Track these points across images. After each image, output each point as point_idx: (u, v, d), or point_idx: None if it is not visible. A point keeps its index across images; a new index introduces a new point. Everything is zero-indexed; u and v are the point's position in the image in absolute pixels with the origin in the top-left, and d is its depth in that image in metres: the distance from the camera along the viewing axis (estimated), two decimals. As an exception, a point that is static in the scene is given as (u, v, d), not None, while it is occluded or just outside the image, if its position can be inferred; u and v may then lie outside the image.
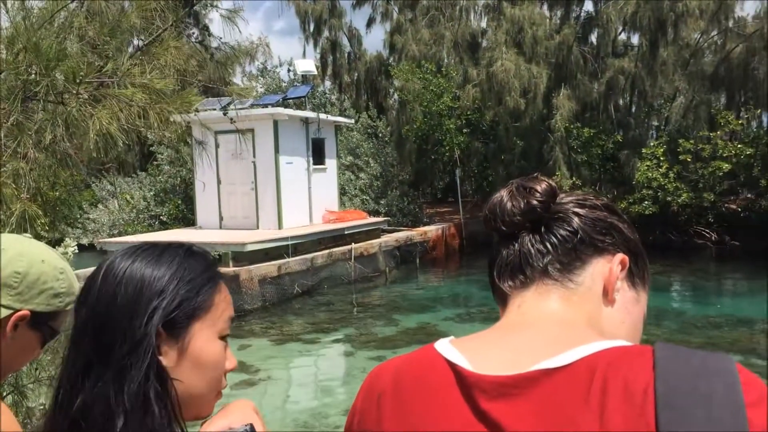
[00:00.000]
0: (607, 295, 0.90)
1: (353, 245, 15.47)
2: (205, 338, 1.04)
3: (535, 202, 0.90)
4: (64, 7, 2.67)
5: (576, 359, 0.77)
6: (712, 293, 15.64)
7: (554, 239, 0.90)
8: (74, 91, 2.32)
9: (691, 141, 20.61)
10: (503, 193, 0.93)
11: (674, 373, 0.71)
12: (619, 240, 0.94)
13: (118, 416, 0.94)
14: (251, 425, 1.04)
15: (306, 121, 16.63)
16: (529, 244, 0.90)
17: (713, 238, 21.52)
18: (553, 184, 0.94)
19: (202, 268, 1.08)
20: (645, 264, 0.98)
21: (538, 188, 0.91)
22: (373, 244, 16.28)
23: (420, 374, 0.85)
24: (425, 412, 0.81)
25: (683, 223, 21.67)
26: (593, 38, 23.09)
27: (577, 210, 0.93)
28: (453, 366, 0.82)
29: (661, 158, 20.44)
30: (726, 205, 21.72)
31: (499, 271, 0.92)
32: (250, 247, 13.11)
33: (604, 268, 0.91)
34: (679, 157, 20.32)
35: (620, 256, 0.92)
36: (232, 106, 15.95)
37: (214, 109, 13.86)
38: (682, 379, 0.71)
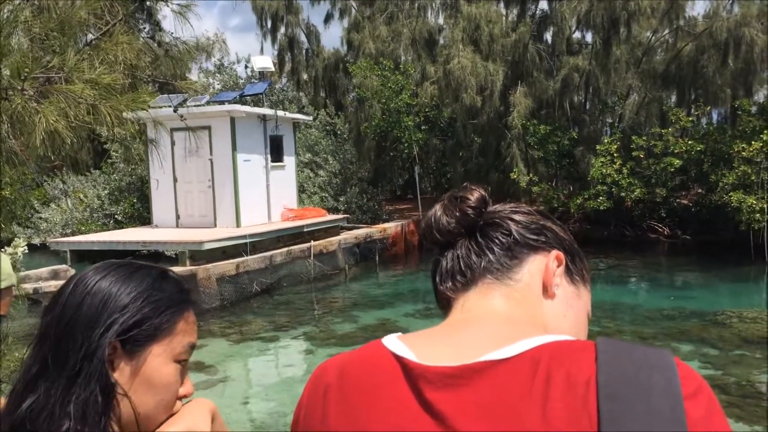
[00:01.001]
0: (547, 290, 0.93)
1: (312, 243, 15.40)
2: (160, 360, 1.04)
3: (468, 209, 0.95)
4: (9, 1, 2.59)
5: (520, 351, 0.78)
6: (664, 286, 16.00)
7: (490, 242, 0.94)
8: (19, 87, 2.25)
9: (644, 137, 21.04)
10: (437, 207, 0.98)
11: (616, 366, 0.73)
12: (553, 239, 0.98)
13: (62, 423, 0.95)
14: None
15: (264, 118, 16.50)
16: (466, 248, 0.95)
17: (665, 232, 22.03)
18: (484, 193, 0.99)
19: (171, 291, 1.09)
20: (582, 262, 1.02)
21: (470, 197, 0.97)
22: (332, 242, 16.23)
23: (366, 368, 0.86)
24: (370, 405, 0.82)
25: (637, 217, 22.11)
26: (548, 36, 23.38)
27: (511, 215, 0.98)
28: (399, 359, 0.83)
29: (615, 154, 20.82)
30: (677, 200, 22.24)
31: (441, 278, 0.96)
32: (207, 246, 12.97)
33: (541, 264, 0.94)
34: (632, 153, 20.73)
35: (555, 252, 0.96)
36: (187, 103, 15.81)
37: (168, 106, 13.69)
38: (624, 372, 0.73)
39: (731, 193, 18.54)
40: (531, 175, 21.88)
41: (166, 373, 1.05)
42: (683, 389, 0.72)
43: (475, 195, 0.97)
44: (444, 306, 0.96)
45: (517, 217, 0.97)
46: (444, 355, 0.82)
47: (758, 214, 18.01)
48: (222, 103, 16.41)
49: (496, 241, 0.94)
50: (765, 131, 18.57)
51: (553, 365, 0.75)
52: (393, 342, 0.87)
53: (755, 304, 13.21)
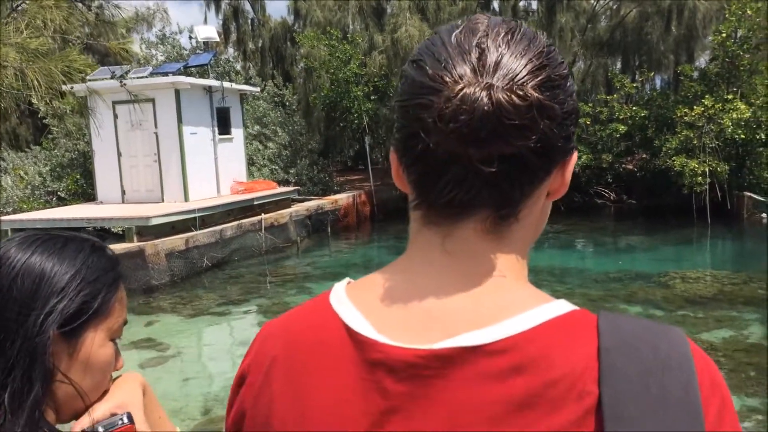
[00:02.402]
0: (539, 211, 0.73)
1: (263, 216, 15.25)
2: (98, 342, 1.00)
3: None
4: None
5: (505, 336, 0.62)
6: (611, 250, 16.37)
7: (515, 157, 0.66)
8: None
9: (590, 104, 21.35)
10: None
11: (623, 372, 0.59)
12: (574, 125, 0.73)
13: None
14: (128, 413, 1.00)
15: (209, 90, 16.16)
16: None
17: (612, 197, 22.50)
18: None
19: (106, 267, 1.03)
20: None
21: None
22: (283, 214, 16.10)
23: (314, 344, 0.70)
24: (319, 391, 0.67)
25: (584, 183, 22.50)
26: (495, 4, 23.41)
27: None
28: (354, 335, 0.67)
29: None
30: (623, 165, 22.70)
31: (435, 185, 0.67)
32: (154, 221, 12.71)
33: (557, 177, 0.72)
34: (579, 120, 20.99)
35: (575, 153, 0.73)
36: (130, 75, 15.36)
37: (109, 78, 13.28)
38: (632, 379, 0.59)
39: (674, 158, 18.99)
40: (480, 143, 21.97)
41: (104, 354, 1.01)
42: (701, 390, 0.60)
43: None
44: (421, 221, 0.71)
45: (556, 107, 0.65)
46: (409, 328, 0.65)
47: (700, 178, 18.51)
48: (166, 74, 16.00)
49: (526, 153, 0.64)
50: (706, 96, 19.01)
51: (544, 363, 0.60)
52: (343, 305, 0.70)
53: (698, 265, 13.63)
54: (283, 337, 0.73)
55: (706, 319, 9.35)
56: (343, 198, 19.21)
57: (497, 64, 0.63)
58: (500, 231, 0.69)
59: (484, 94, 0.61)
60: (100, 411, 1.00)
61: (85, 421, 0.99)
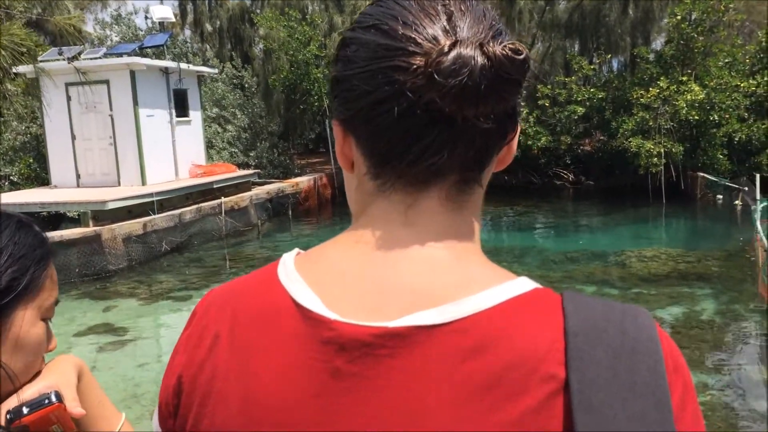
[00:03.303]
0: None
1: (223, 199, 15.09)
2: (28, 321, 0.96)
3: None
4: None
5: (465, 315, 0.59)
6: (570, 230, 16.60)
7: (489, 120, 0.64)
8: None
9: (549, 86, 21.54)
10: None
11: (591, 356, 0.57)
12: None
13: None
14: (56, 392, 0.97)
15: (166, 71, 15.86)
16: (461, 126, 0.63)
17: (570, 178, 22.80)
18: None
19: (33, 244, 0.98)
20: None
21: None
22: (243, 198, 15.95)
23: (262, 321, 0.65)
24: (267, 372, 0.62)
25: (543, 165, 22.76)
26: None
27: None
28: (303, 311, 0.63)
29: (522, 103, 21.22)
30: (581, 147, 22.99)
31: (405, 148, 0.63)
32: (111, 205, 12.48)
33: (508, 148, 0.70)
34: (538, 102, 21.22)
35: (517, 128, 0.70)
36: (83, 56, 14.98)
37: (60, 59, 12.94)
38: (601, 364, 0.56)
39: (631, 139, 19.30)
40: (441, 125, 22.05)
41: (34, 334, 0.98)
42: (667, 375, 0.58)
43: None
44: (376, 186, 0.67)
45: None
46: (362, 305, 0.61)
47: (655, 159, 18.85)
48: (120, 55, 15.65)
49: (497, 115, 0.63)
50: (662, 78, 19.33)
51: (505, 345, 0.57)
52: (293, 279, 0.66)
53: (653, 244, 13.91)
54: (228, 310, 0.68)
55: (660, 297, 9.56)
56: (304, 181, 19.10)
57: (467, 26, 0.62)
58: (463, 199, 0.67)
59: (479, 51, 0.59)
60: (28, 392, 0.96)
61: (12, 402, 0.95)
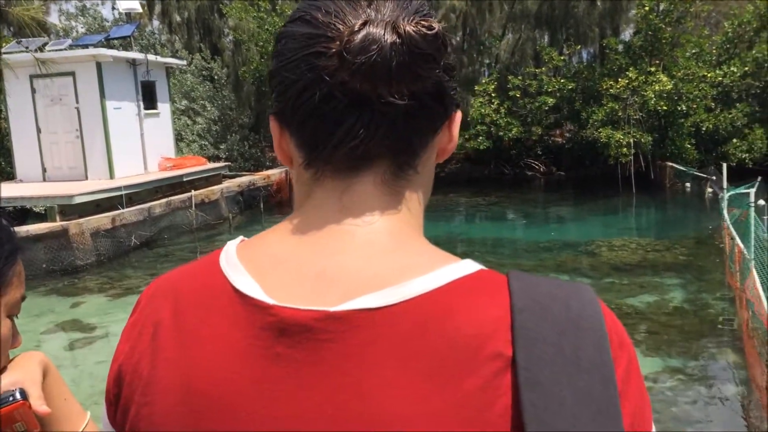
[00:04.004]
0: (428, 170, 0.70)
1: (193, 192, 14.93)
2: None
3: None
4: None
5: (408, 297, 0.58)
6: (541, 220, 16.73)
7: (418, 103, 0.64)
8: None
9: (519, 77, 21.64)
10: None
11: (537, 333, 0.56)
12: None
13: None
14: (21, 389, 0.94)
15: (133, 63, 15.61)
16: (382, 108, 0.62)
17: (542, 169, 22.98)
18: None
19: (2, 238, 0.96)
20: None
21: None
22: (214, 191, 15.81)
23: (202, 308, 0.64)
24: (208, 360, 0.61)
25: (515, 156, 22.90)
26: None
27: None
28: (244, 298, 0.62)
29: (493, 95, 21.33)
30: (552, 137, 23.18)
31: (328, 134, 0.63)
32: (78, 199, 12.28)
33: (445, 132, 0.69)
34: (509, 93, 21.31)
35: (459, 111, 0.70)
36: (47, 48, 14.70)
37: (24, 51, 12.69)
38: (547, 340, 0.56)
39: (600, 129, 19.50)
40: (413, 117, 22.08)
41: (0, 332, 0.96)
42: (612, 351, 0.58)
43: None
44: (313, 177, 0.66)
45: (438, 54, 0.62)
46: (303, 291, 0.60)
47: (625, 149, 19.07)
48: (86, 46, 15.37)
49: (426, 101, 0.63)
50: (630, 69, 19.52)
51: (449, 325, 0.56)
52: (233, 266, 0.65)
53: (623, 233, 14.06)
54: (171, 298, 0.67)
55: (630, 285, 9.67)
56: (275, 173, 18.97)
57: (386, 10, 0.62)
58: (400, 184, 0.66)
59: (389, 28, 0.60)
60: None
61: None
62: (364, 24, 0.60)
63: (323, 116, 0.62)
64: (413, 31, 0.59)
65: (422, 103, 0.62)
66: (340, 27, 0.61)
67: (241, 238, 0.71)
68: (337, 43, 0.60)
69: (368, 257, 0.62)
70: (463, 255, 0.65)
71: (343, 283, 0.60)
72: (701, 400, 6.13)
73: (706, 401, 6.11)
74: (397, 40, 0.59)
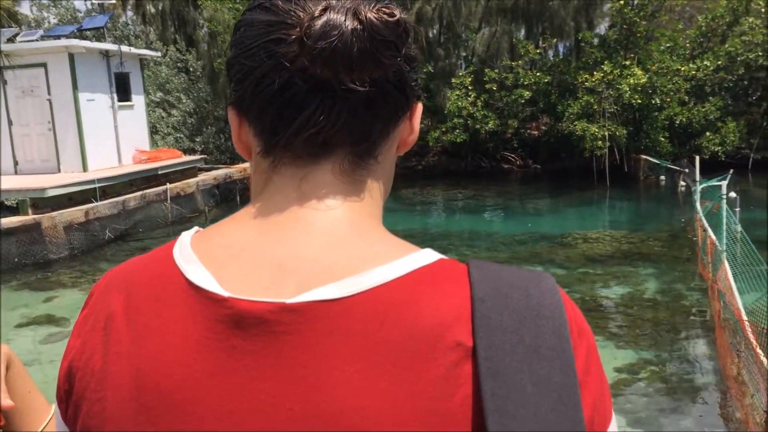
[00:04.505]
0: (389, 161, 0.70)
1: (168, 185, 14.79)
2: None
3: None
4: None
5: (366, 288, 0.57)
6: (517, 213, 16.83)
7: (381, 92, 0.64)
8: None
9: (496, 70, 21.69)
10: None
11: (497, 322, 0.56)
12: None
13: None
14: None
15: (107, 54, 15.41)
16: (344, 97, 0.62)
17: (518, 162, 23.09)
18: None
19: None
20: None
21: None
22: (189, 184, 15.67)
23: (155, 301, 0.62)
24: (161, 354, 0.59)
25: (491, 149, 22.98)
26: (402, -31, 23.30)
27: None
28: (197, 290, 0.60)
29: (470, 87, 21.37)
30: (528, 131, 23.29)
31: (293, 126, 0.62)
32: (51, 192, 12.12)
33: (407, 123, 0.69)
34: (486, 86, 21.36)
35: (420, 105, 0.71)
36: (18, 39, 14.46)
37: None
38: (507, 329, 0.56)
39: (576, 123, 19.63)
40: (390, 109, 22.06)
41: None
42: (571, 338, 0.58)
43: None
44: (268, 161, 0.65)
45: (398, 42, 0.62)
46: (259, 282, 0.59)
47: (600, 142, 19.23)
48: (58, 37, 15.14)
49: (389, 89, 0.62)
50: (605, 62, 19.66)
51: (408, 315, 0.56)
52: (187, 258, 0.63)
53: (598, 226, 14.20)
54: (123, 291, 0.65)
55: (604, 277, 9.77)
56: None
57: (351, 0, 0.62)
58: (359, 173, 0.65)
59: (350, 14, 0.59)
60: None
61: None
62: (325, 10, 0.59)
63: (283, 103, 0.61)
64: (374, 17, 0.59)
65: (384, 91, 0.62)
66: (301, 13, 0.60)
67: (196, 228, 0.69)
68: (297, 29, 0.59)
69: (327, 247, 0.60)
70: (441, 248, 0.65)
71: (300, 273, 0.59)
72: (674, 390, 6.22)
73: (678, 392, 6.19)
74: (358, 26, 0.59)
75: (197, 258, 0.63)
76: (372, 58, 0.59)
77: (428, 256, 0.61)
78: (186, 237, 0.67)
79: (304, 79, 0.60)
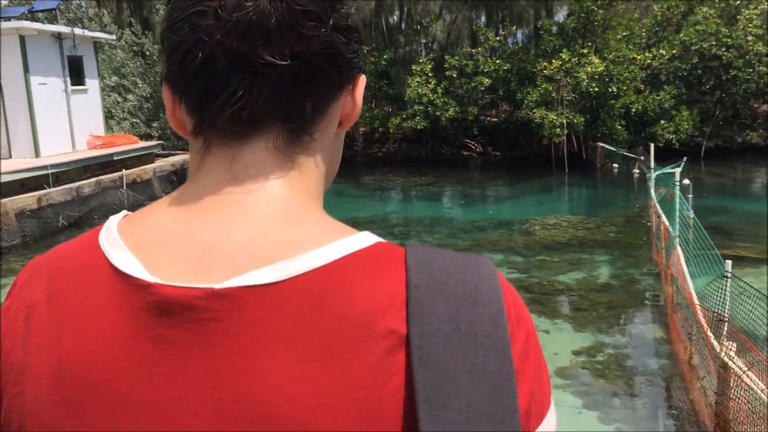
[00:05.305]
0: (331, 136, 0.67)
1: (124, 172, 14.53)
2: None
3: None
4: None
5: (299, 272, 0.55)
6: (477, 200, 16.95)
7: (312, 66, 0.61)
8: None
9: (456, 57, 21.75)
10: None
11: (432, 310, 0.55)
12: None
13: None
14: None
15: (59, 37, 15.02)
16: (273, 72, 0.59)
17: (478, 149, 23.23)
18: None
19: None
20: None
21: None
22: (146, 170, 15.42)
23: (79, 286, 0.59)
24: (84, 344, 0.57)
25: (452, 136, 23.07)
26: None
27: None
28: (123, 276, 0.57)
29: (430, 74, 21.39)
30: (488, 118, 23.43)
31: (213, 94, 0.59)
32: (2, 179, 11.79)
33: (347, 97, 0.66)
34: (446, 73, 21.40)
35: (363, 76, 0.68)
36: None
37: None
38: (442, 317, 0.54)
39: (535, 110, 19.81)
40: (350, 96, 22.01)
41: None
42: (508, 326, 0.56)
43: None
44: (200, 140, 0.62)
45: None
46: (187, 267, 0.56)
47: (558, 129, 19.45)
48: (8, 19, 14.67)
49: (321, 64, 0.59)
50: (564, 50, 19.86)
51: (340, 301, 0.54)
52: (113, 243, 0.60)
53: (556, 212, 14.38)
54: (45, 279, 0.62)
55: (561, 263, 9.91)
56: (210, 152, 18.65)
57: None
58: (294, 151, 0.62)
59: None
60: None
61: None
62: None
63: (207, 79, 0.58)
64: None
65: (311, 66, 0.58)
66: None
67: (124, 212, 0.66)
68: (212, 3, 0.56)
69: (259, 229, 0.58)
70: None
71: (231, 257, 0.56)
72: (629, 372, 6.35)
73: (633, 373, 6.33)
74: None
75: (123, 243, 0.60)
76: (291, 29, 0.56)
77: (366, 239, 0.59)
78: (113, 221, 0.64)
79: (224, 53, 0.56)
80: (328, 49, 0.59)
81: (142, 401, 0.54)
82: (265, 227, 0.58)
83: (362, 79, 0.67)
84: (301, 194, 0.62)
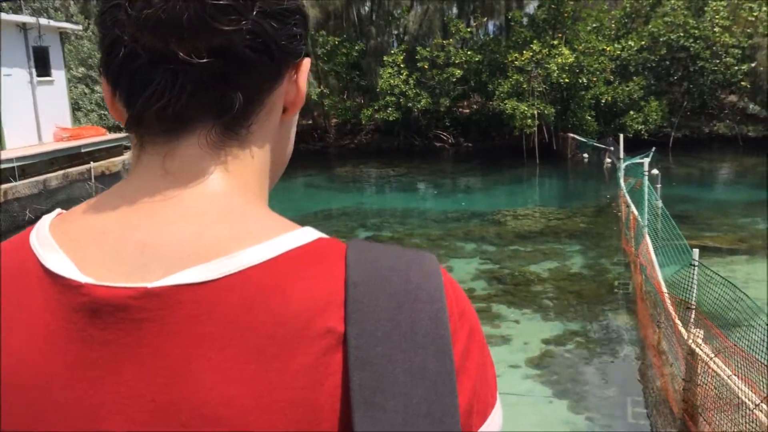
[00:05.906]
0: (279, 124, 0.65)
1: (92, 164, 14.33)
2: None
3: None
4: None
5: (235, 270, 0.53)
6: (449, 191, 17.00)
7: (239, 62, 0.59)
8: None
9: (428, 48, 21.76)
10: None
11: (371, 308, 0.53)
12: (304, 28, 0.65)
13: None
14: None
15: (24, 27, 14.73)
16: (196, 68, 0.57)
17: (450, 140, 23.29)
18: None
19: None
20: None
21: None
22: (115, 162, 15.23)
23: (9, 287, 0.57)
24: (13, 348, 0.55)
25: (424, 127, 23.10)
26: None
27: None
28: (53, 277, 0.55)
29: (402, 66, 21.38)
30: (460, 109, 23.50)
31: (139, 89, 0.57)
32: (-35, 172, 11.57)
33: (289, 85, 0.64)
34: (418, 64, 21.41)
35: (308, 59, 0.65)
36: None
37: None
38: (381, 315, 0.53)
39: (506, 101, 19.90)
40: (322, 87, 21.90)
41: None
42: (450, 323, 0.55)
43: None
44: (134, 133, 0.60)
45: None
46: (121, 266, 0.55)
47: (529, 120, 19.57)
48: (-30, 9, 14.36)
49: (250, 58, 0.57)
50: (534, 42, 19.96)
51: (277, 299, 0.52)
52: (44, 243, 0.58)
53: (528, 203, 14.49)
54: None
55: (533, 253, 9.98)
56: (180, 144, 18.47)
57: None
58: (230, 145, 0.60)
59: None
60: None
61: None
62: None
63: (131, 75, 0.56)
64: None
65: (237, 59, 0.56)
66: None
67: (58, 210, 0.64)
68: None
69: (195, 226, 0.56)
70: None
71: (166, 256, 0.54)
72: (598, 360, 6.42)
73: (603, 362, 6.40)
74: None
75: (55, 242, 0.58)
76: (205, 26, 0.53)
77: (306, 235, 0.57)
78: (45, 220, 0.62)
79: (143, 49, 0.54)
80: (256, 39, 0.56)
81: (75, 405, 0.52)
82: (200, 224, 0.56)
83: (306, 63, 0.64)
84: (240, 189, 0.60)
